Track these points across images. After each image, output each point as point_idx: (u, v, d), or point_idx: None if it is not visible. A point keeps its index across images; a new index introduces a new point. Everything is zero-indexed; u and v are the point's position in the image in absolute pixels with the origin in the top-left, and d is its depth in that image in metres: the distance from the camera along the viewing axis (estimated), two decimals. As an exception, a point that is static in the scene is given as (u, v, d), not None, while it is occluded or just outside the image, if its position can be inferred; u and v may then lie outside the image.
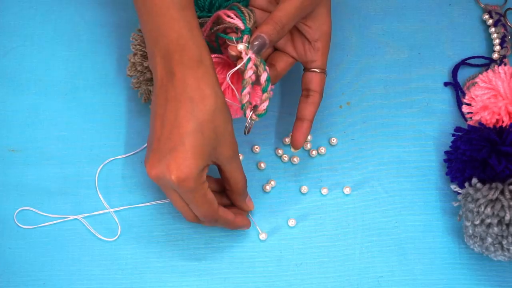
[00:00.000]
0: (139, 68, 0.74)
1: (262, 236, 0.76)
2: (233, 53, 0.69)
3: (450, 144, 0.77)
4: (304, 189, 0.78)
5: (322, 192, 0.78)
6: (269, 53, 0.76)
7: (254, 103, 0.71)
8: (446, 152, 0.78)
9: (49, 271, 0.76)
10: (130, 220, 0.77)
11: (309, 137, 0.80)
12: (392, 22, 0.85)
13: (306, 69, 0.75)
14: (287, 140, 0.80)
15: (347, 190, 0.78)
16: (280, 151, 0.79)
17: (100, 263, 0.76)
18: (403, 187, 0.79)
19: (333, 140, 0.80)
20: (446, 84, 0.83)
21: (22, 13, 0.84)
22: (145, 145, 0.79)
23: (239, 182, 0.72)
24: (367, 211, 0.78)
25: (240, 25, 0.70)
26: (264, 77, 0.69)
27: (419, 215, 0.78)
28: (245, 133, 0.72)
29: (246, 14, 0.70)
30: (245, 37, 0.69)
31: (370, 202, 0.78)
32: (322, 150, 0.80)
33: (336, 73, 0.82)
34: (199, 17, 0.74)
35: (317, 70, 0.75)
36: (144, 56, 0.74)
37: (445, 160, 0.78)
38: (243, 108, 0.69)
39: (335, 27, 0.83)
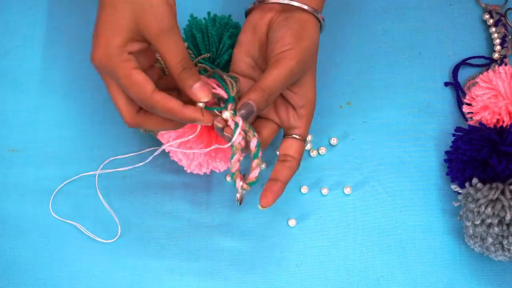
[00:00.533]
0: None
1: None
2: (220, 125, 0.66)
3: (451, 144, 0.77)
4: (304, 189, 0.78)
5: (322, 192, 0.78)
6: (251, 122, 0.71)
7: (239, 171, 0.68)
8: (447, 152, 0.77)
9: (49, 271, 0.76)
10: (130, 220, 0.77)
11: (309, 137, 0.80)
12: (393, 22, 0.85)
13: (287, 135, 0.72)
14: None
15: (347, 190, 0.78)
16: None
17: (100, 263, 0.76)
18: (404, 187, 0.79)
19: (333, 140, 0.80)
20: (446, 84, 0.83)
21: (22, 13, 0.84)
22: (148, 149, 0.79)
23: (174, 57, 0.63)
24: (368, 211, 0.78)
25: (223, 94, 0.67)
26: (254, 143, 0.66)
27: (419, 215, 0.78)
28: (238, 204, 0.69)
29: (228, 83, 0.67)
30: (229, 106, 0.66)
31: (371, 202, 0.78)
32: (322, 150, 0.80)
33: (336, 73, 0.82)
34: (201, 63, 0.73)
35: (297, 137, 0.71)
36: None
37: (445, 160, 0.78)
38: (232, 177, 0.67)
39: (335, 27, 0.84)
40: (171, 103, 0.63)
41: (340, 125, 0.81)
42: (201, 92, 0.64)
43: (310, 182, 0.79)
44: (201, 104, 0.64)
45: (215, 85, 0.68)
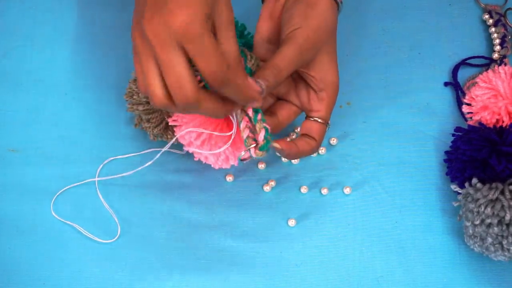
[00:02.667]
0: (135, 97, 0.75)
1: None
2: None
3: (450, 144, 0.77)
4: (304, 189, 0.78)
5: (322, 192, 0.78)
6: (271, 103, 0.73)
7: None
8: (446, 152, 0.77)
9: (49, 271, 0.75)
10: (130, 220, 0.77)
11: (309, 137, 0.80)
12: (392, 22, 0.85)
13: (308, 117, 0.72)
14: (287, 140, 0.80)
15: (347, 190, 0.78)
16: (280, 151, 0.79)
17: (100, 263, 0.76)
18: (403, 187, 0.79)
19: (333, 140, 0.80)
20: (446, 84, 0.83)
21: (22, 13, 0.84)
22: (146, 150, 0.79)
23: (235, 50, 0.62)
24: (367, 211, 0.78)
25: None
26: (250, 111, 0.66)
27: (419, 215, 0.78)
28: (240, 161, 0.68)
29: (248, 55, 0.69)
30: None
31: (370, 202, 0.78)
32: (322, 150, 0.80)
33: (336, 73, 0.82)
34: None
35: (319, 120, 0.71)
36: None
37: (445, 160, 0.78)
38: (246, 143, 0.66)
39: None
40: (246, 77, 0.63)
41: (340, 125, 0.81)
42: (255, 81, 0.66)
43: (310, 182, 0.79)
44: None
45: None
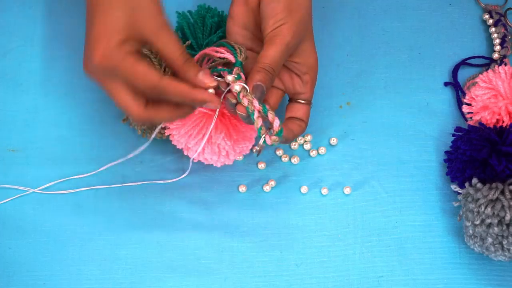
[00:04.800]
0: None
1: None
2: (233, 100, 0.67)
3: (450, 144, 0.77)
4: (304, 189, 0.78)
5: (322, 192, 0.78)
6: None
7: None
8: (446, 152, 0.78)
9: (49, 271, 0.76)
10: (130, 220, 0.77)
11: (309, 137, 0.80)
12: (392, 22, 0.85)
13: (293, 100, 0.74)
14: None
15: (347, 190, 0.78)
16: (280, 151, 0.79)
17: (100, 263, 0.76)
18: (403, 187, 0.79)
19: (333, 140, 0.80)
20: (446, 84, 0.83)
21: (22, 13, 0.84)
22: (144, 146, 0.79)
23: (174, 52, 0.65)
24: (367, 211, 0.78)
25: (231, 58, 0.68)
26: (256, 103, 0.67)
27: (419, 215, 0.78)
28: (256, 155, 0.71)
29: (237, 48, 0.69)
30: (235, 69, 0.68)
31: (370, 202, 0.78)
32: (322, 150, 0.80)
33: (336, 73, 0.82)
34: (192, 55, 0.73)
35: (304, 102, 0.73)
36: None
37: (445, 160, 0.78)
38: (259, 133, 0.67)
39: (335, 27, 0.84)
40: (181, 86, 0.65)
41: (340, 125, 0.81)
42: (207, 78, 0.66)
43: (310, 182, 0.79)
44: (210, 90, 0.66)
45: (223, 50, 0.69)
